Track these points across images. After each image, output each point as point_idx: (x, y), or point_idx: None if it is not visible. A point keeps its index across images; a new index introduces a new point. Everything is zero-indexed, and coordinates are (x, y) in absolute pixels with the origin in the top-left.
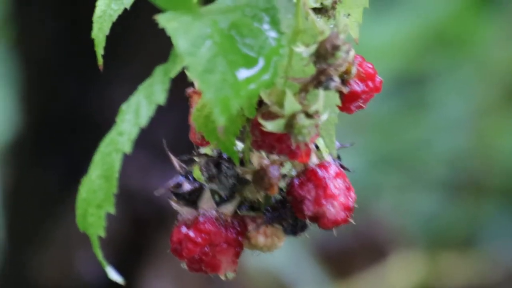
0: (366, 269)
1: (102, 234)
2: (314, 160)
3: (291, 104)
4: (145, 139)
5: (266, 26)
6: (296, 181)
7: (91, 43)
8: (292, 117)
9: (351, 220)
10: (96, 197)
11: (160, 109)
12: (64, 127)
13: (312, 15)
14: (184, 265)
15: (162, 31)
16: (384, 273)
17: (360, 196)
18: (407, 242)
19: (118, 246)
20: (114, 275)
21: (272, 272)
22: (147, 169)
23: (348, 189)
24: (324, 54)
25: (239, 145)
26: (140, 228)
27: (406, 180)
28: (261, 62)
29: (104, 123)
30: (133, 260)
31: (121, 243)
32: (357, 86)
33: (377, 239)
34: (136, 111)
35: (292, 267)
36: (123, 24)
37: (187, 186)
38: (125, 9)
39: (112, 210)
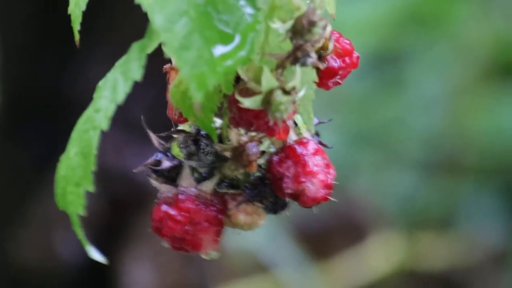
0: (345, 250)
1: (82, 212)
2: (292, 136)
3: (268, 80)
4: (122, 117)
5: (242, 2)
6: (275, 158)
7: (67, 21)
8: (269, 94)
9: (331, 198)
10: (74, 174)
11: (136, 86)
12: (41, 105)
13: None
14: (166, 244)
15: (138, 7)
16: (363, 253)
17: (337, 175)
18: (386, 222)
19: (96, 226)
20: (95, 254)
21: (251, 252)
22: (123, 147)
23: (327, 166)
24: (300, 30)
25: (217, 122)
26: (118, 207)
27: (383, 158)
28: (237, 39)
29: (81, 101)
30: (112, 240)
31: (99, 223)
32: (334, 62)
33: (355, 219)
34: (113, 88)
35: (271, 247)
36: (99, 0)
37: (166, 163)
38: None
39: (91, 188)
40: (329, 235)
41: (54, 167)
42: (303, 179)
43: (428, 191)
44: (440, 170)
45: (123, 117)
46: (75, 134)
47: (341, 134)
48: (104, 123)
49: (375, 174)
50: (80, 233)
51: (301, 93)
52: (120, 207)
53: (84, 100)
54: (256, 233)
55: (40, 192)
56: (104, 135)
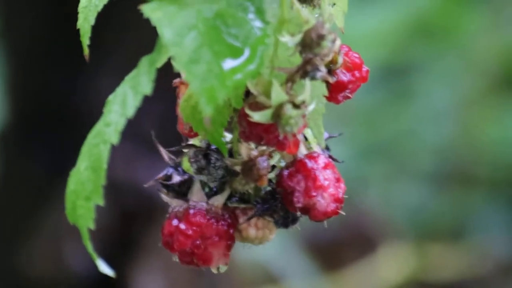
0: (356, 262)
1: (92, 226)
2: (302, 150)
3: (277, 94)
4: (132, 131)
5: (251, 16)
6: (285, 172)
7: (76, 34)
8: (279, 108)
9: (342, 212)
10: (84, 189)
11: (146, 100)
12: (51, 118)
13: (297, 4)
14: (175, 258)
15: (147, 21)
16: (374, 265)
17: (347, 187)
18: (396, 233)
19: (107, 240)
20: (104, 268)
21: (262, 265)
22: (134, 161)
23: (337, 180)
24: (309, 43)
25: (228, 136)
26: (129, 221)
27: (393, 170)
28: (246, 52)
29: (91, 115)
30: (122, 254)
31: (110, 236)
32: (344, 76)
33: (366, 231)
34: (123, 102)
35: (282, 259)
36: (108, 14)
37: (176, 178)
38: None
39: (101, 202)
40: (339, 247)
41: (65, 178)
42: (313, 193)
43: (438, 203)
44: (450, 182)
45: (133, 130)
46: (85, 148)
47: (351, 147)
48: (114, 137)
49: (385, 186)
50: (90, 246)
51: (311, 107)
52: (130, 220)
53: (94, 112)
54: (267, 245)
55: (51, 203)
56: (114, 148)
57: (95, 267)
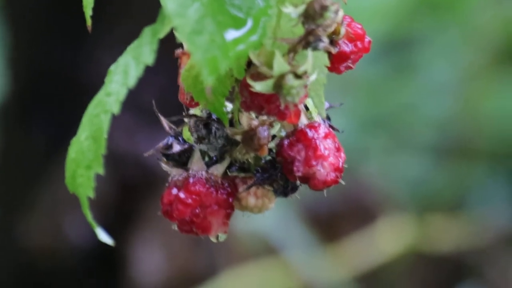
0: (355, 233)
1: (91, 194)
2: (303, 120)
3: (279, 64)
4: (132, 101)
5: None
6: (286, 142)
7: (79, 5)
8: (281, 78)
9: (341, 181)
10: (85, 157)
11: (148, 70)
12: (51, 90)
13: None
14: (175, 227)
15: None
16: (373, 236)
17: (348, 159)
18: (396, 205)
19: (106, 210)
20: (103, 237)
21: (260, 235)
22: (134, 131)
23: (337, 149)
24: (312, 14)
25: (229, 106)
26: (128, 191)
27: (393, 143)
28: (249, 23)
29: (92, 86)
30: (122, 224)
31: (109, 206)
32: (346, 47)
33: (365, 203)
34: (125, 72)
35: (281, 230)
36: None
37: (177, 147)
38: None
39: (101, 170)
40: (338, 218)
41: (65, 150)
42: (313, 163)
43: (438, 175)
44: (450, 154)
45: (134, 101)
46: (86, 118)
47: (352, 119)
48: (115, 107)
49: (385, 158)
50: (89, 215)
51: (312, 77)
52: (130, 191)
53: (95, 84)
54: (266, 216)
55: (50, 175)
56: (115, 119)
57: (94, 238)
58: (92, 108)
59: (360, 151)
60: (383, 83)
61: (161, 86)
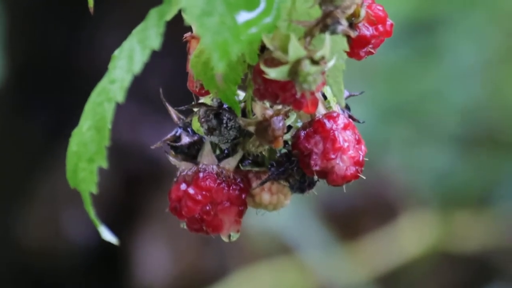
0: (375, 230)
1: (94, 190)
2: (321, 110)
3: (295, 49)
4: (138, 89)
5: None
6: (302, 133)
7: None
8: (297, 64)
9: (362, 175)
10: (87, 150)
11: (154, 56)
12: (51, 75)
13: None
14: (183, 225)
15: None
16: (394, 234)
17: (368, 151)
18: (419, 201)
19: (109, 206)
20: (107, 235)
21: (274, 233)
22: (140, 121)
23: (358, 141)
24: None
25: (241, 95)
26: (134, 186)
27: (416, 133)
28: (262, 4)
29: (95, 72)
30: (126, 221)
31: (112, 202)
32: (366, 30)
33: (386, 198)
34: (129, 57)
35: (296, 228)
36: None
37: (185, 139)
38: None
39: (104, 164)
40: (358, 215)
41: (65, 141)
42: (332, 156)
43: (464, 168)
44: (477, 145)
45: (140, 89)
46: (88, 107)
47: (373, 108)
48: (119, 95)
49: (408, 150)
50: (92, 212)
51: (330, 63)
52: (135, 186)
53: (98, 69)
54: (280, 213)
55: (50, 167)
56: (119, 108)
57: (96, 236)
58: (95, 96)
59: (381, 143)
60: (405, 69)
61: (168, 73)
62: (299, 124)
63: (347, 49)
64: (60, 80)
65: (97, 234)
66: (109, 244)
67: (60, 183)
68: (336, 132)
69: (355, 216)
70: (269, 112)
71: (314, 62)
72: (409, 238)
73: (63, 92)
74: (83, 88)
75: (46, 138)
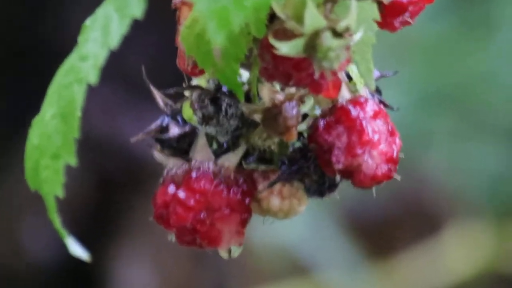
0: (413, 246)
1: (60, 193)
2: (345, 94)
3: (313, 18)
4: (115, 69)
5: None
6: (322, 123)
7: None
8: (315, 36)
9: (396, 176)
10: (51, 143)
11: (134, 27)
12: (8, 54)
13: None
14: (172, 238)
15: None
16: (437, 251)
17: (403, 146)
18: (467, 210)
19: (80, 215)
20: (76, 250)
21: (285, 249)
22: (115, 109)
23: (391, 133)
24: None
25: (244, 75)
26: (108, 189)
27: (464, 125)
28: None
29: (61, 51)
30: (99, 233)
31: (84, 210)
32: None
33: (427, 206)
34: (105, 28)
35: (312, 242)
36: None
37: (174, 130)
38: None
39: (72, 161)
40: (391, 227)
41: (24, 133)
42: (359, 151)
43: None
44: None
45: (117, 68)
46: (52, 90)
47: (409, 93)
48: (92, 75)
49: (454, 146)
50: (57, 220)
51: (357, 36)
52: (111, 189)
53: (64, 46)
54: (293, 222)
55: (6, 166)
56: (91, 92)
57: (63, 252)
58: (61, 77)
59: (419, 137)
60: (450, 45)
61: (152, 48)
62: (318, 112)
63: (378, 19)
64: (20, 59)
65: (65, 251)
66: (79, 262)
67: (20, 186)
68: (363, 122)
69: (387, 229)
70: (280, 96)
71: (337, 34)
72: (455, 255)
73: (24, 74)
74: (49, 70)
75: (3, 131)
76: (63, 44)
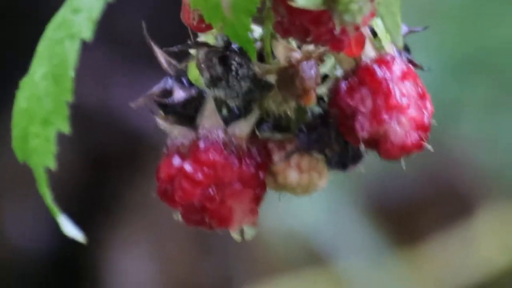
0: (442, 232)
1: (52, 165)
2: (369, 52)
3: None
4: (108, 28)
5: None
6: (343, 85)
7: None
8: None
9: (428, 145)
10: (41, 107)
11: None
12: None
13: None
14: (177, 216)
15: None
16: (469, 237)
17: (432, 118)
18: (503, 191)
19: (72, 190)
20: (70, 229)
21: (300, 235)
22: (109, 74)
23: (421, 96)
24: None
25: (257, 30)
26: (102, 165)
27: (500, 94)
28: None
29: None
30: (92, 216)
31: (76, 185)
32: None
33: (458, 187)
34: None
35: (331, 228)
36: None
37: (179, 93)
38: None
39: (65, 127)
40: (418, 210)
41: (8, 101)
42: (385, 117)
43: None
44: None
45: (109, 27)
46: (42, 47)
47: (439, 57)
48: (86, 29)
49: (488, 117)
50: (48, 195)
51: None
52: (105, 165)
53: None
54: (308, 205)
55: None
56: (82, 55)
57: (50, 238)
58: (52, 32)
59: (449, 107)
60: (483, 7)
61: (154, 0)
62: (339, 73)
63: None
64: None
65: (53, 235)
66: (68, 249)
67: (1, 163)
68: (390, 83)
69: (414, 212)
70: (297, 55)
71: None
72: (489, 242)
73: (7, 31)
74: (35, 26)
75: None
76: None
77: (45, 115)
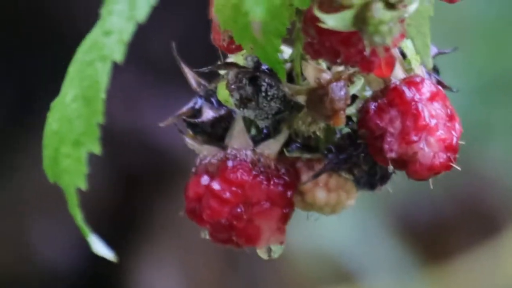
0: (471, 250)
1: (83, 185)
2: (398, 73)
3: None
4: (139, 49)
5: None
6: (373, 106)
7: None
8: (365, 8)
9: (456, 166)
10: (72, 129)
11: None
12: (17, 30)
13: None
14: (205, 234)
15: None
16: (497, 255)
17: (461, 139)
18: None
19: (103, 211)
20: (100, 248)
21: (329, 254)
22: (139, 95)
23: (450, 118)
24: None
25: (287, 52)
26: (132, 184)
27: None
28: None
29: (77, 23)
30: (122, 233)
31: (106, 205)
32: None
33: (486, 206)
34: None
35: (360, 247)
36: None
37: (208, 113)
38: None
39: (96, 148)
40: (446, 230)
41: (34, 122)
42: (414, 138)
43: None
44: None
45: (141, 49)
46: (74, 68)
47: (468, 79)
48: (117, 51)
49: None
50: (79, 216)
51: (412, 7)
52: (135, 183)
53: (85, 20)
54: (336, 224)
55: (12, 161)
56: (112, 76)
57: (79, 257)
58: (82, 54)
59: (479, 129)
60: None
61: (183, 22)
62: (368, 94)
63: None
64: (30, 35)
65: (80, 254)
66: (97, 267)
67: (28, 183)
68: (419, 105)
69: (441, 232)
70: (326, 76)
71: (389, 5)
72: None
73: (34, 52)
74: (62, 47)
75: (7, 120)
76: (81, 16)
77: (76, 137)
